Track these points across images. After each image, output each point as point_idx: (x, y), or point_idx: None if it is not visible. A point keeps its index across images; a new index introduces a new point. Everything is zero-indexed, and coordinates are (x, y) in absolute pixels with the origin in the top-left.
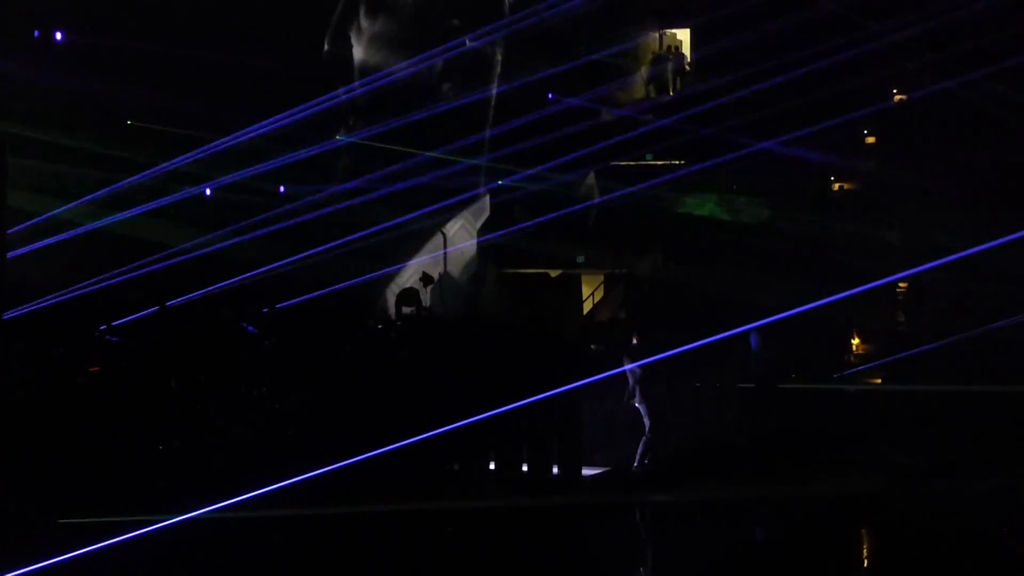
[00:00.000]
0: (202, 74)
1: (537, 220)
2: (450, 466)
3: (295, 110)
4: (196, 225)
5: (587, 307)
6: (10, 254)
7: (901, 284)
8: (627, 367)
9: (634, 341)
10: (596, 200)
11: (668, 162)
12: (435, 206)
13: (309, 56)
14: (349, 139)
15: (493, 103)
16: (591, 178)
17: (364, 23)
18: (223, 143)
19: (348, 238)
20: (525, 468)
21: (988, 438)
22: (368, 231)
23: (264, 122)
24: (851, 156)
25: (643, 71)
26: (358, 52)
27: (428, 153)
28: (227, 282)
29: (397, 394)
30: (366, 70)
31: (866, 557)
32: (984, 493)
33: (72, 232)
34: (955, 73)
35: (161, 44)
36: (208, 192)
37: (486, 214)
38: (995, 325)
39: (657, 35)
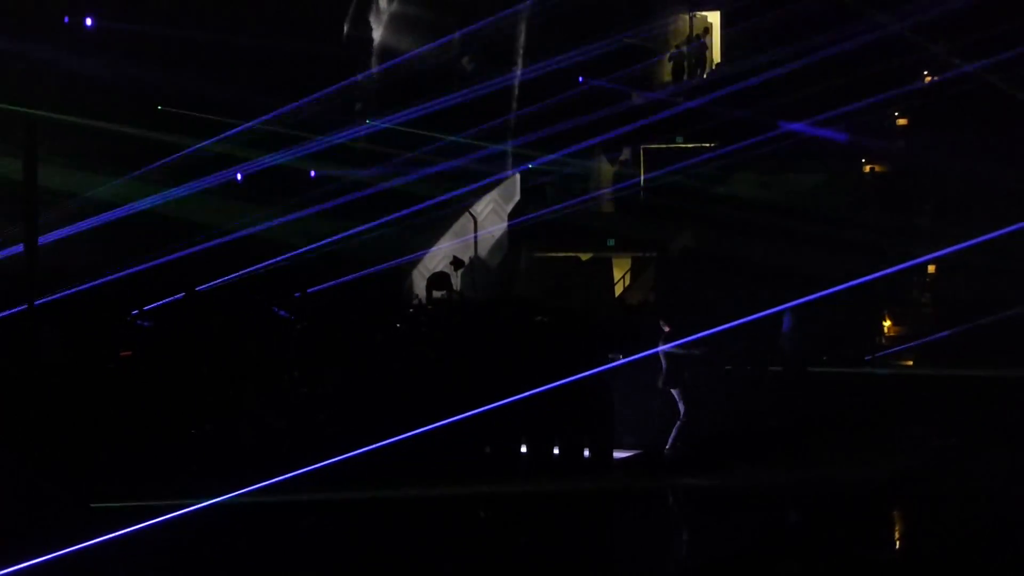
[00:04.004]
0: (230, 58)
1: (568, 203)
2: (482, 449)
3: (322, 93)
4: (228, 210)
5: (618, 290)
6: (41, 240)
7: (931, 266)
8: (660, 348)
9: (666, 329)
10: (625, 183)
11: (699, 144)
12: (465, 189)
13: (334, 39)
14: (379, 123)
15: (518, 86)
16: (624, 156)
17: (386, 4)
18: (250, 126)
19: (376, 222)
20: (556, 451)
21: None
22: (397, 215)
23: (290, 106)
24: (882, 137)
25: (668, 61)
26: (381, 34)
27: (456, 137)
28: (258, 266)
29: (428, 378)
30: (389, 53)
31: (898, 539)
32: (1018, 474)
33: (103, 216)
34: (987, 54)
35: (188, 28)
36: (239, 176)
37: (517, 197)
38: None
39: (687, 17)
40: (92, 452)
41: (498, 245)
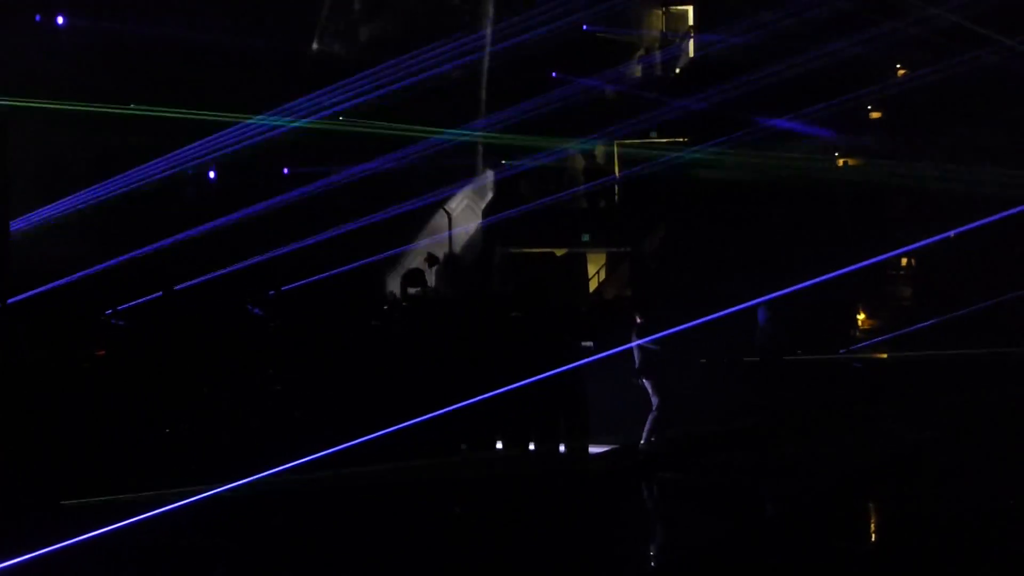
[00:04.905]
0: (201, 58)
1: (542, 199)
2: (457, 445)
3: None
4: (201, 208)
5: (592, 285)
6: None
7: (904, 260)
8: (634, 343)
9: (638, 320)
10: (599, 180)
11: (672, 140)
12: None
13: (302, 33)
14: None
15: (486, 80)
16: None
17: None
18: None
19: (348, 223)
20: (531, 447)
21: (994, 413)
22: (369, 215)
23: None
24: (855, 131)
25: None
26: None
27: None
28: (233, 266)
29: (403, 374)
30: (362, 50)
31: (876, 531)
32: (986, 470)
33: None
34: (958, 48)
35: (160, 27)
36: (212, 175)
37: (490, 193)
38: (1000, 299)
39: (661, 13)
40: (65, 451)
41: (473, 241)
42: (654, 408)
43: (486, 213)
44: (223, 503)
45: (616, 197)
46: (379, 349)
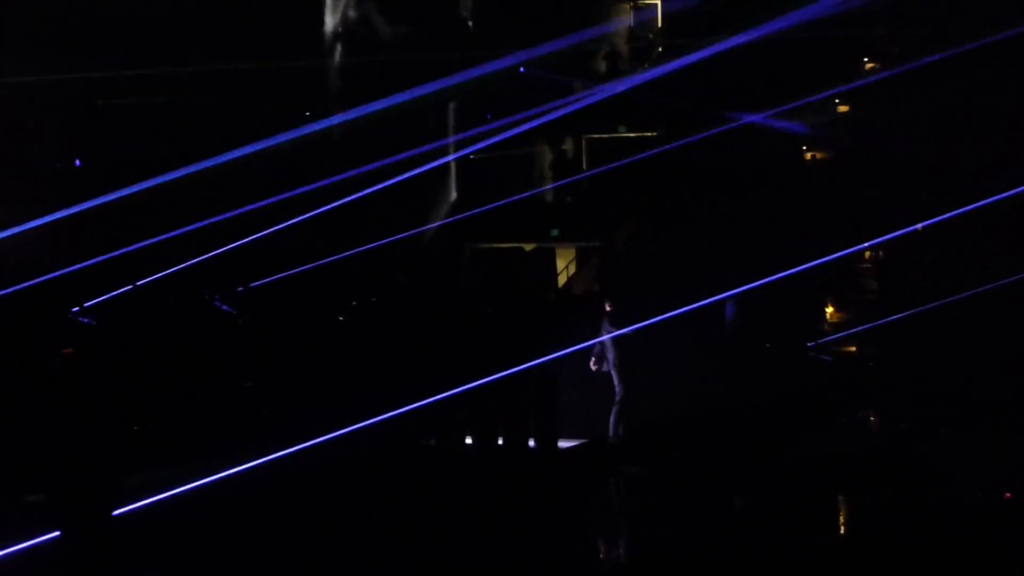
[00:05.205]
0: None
1: (510, 195)
2: (426, 441)
3: None
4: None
5: (561, 280)
6: None
7: (867, 254)
8: (604, 337)
9: (608, 308)
10: (568, 175)
11: (641, 133)
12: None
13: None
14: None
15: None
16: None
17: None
18: None
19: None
20: (500, 442)
21: (960, 404)
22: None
23: None
24: (824, 125)
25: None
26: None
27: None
28: (201, 258)
29: (372, 370)
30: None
31: (845, 523)
32: (959, 462)
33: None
34: (931, 42)
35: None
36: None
37: (457, 189)
38: (968, 293)
39: (629, 6)
40: (30, 448)
41: (441, 236)
42: (617, 397)
43: (454, 208)
44: (188, 504)
45: (585, 191)
46: (349, 345)
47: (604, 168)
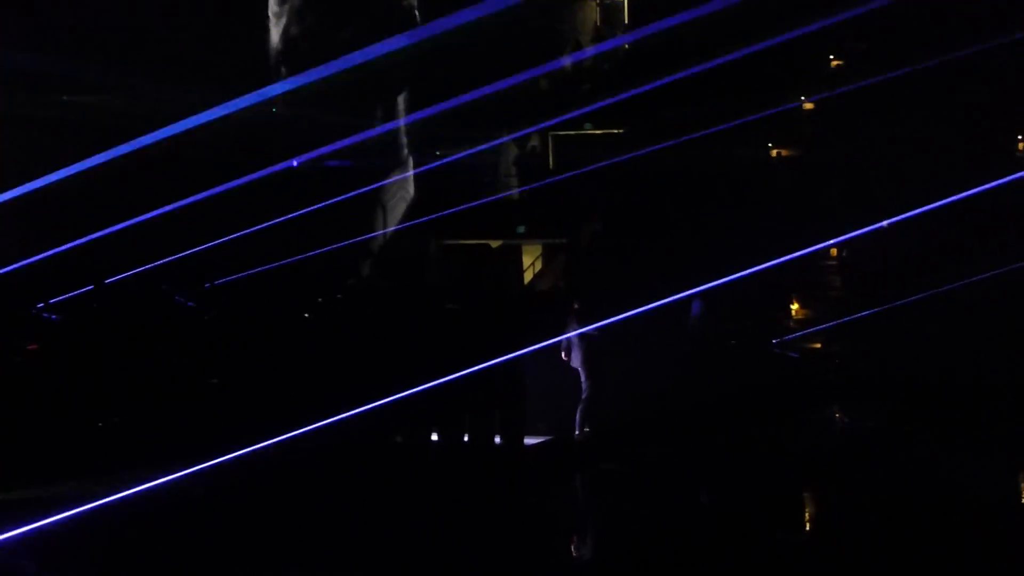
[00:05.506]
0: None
1: (477, 192)
2: (392, 438)
3: None
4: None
5: (527, 277)
6: None
7: (833, 251)
8: (571, 334)
9: (575, 305)
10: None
11: (607, 131)
12: None
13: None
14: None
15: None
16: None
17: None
18: None
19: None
20: (467, 439)
21: (925, 402)
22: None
23: None
24: (788, 122)
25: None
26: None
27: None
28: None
29: (338, 367)
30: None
31: (813, 520)
32: (926, 459)
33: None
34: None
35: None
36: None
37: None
38: (933, 291)
39: (596, 4)
40: None
41: (408, 233)
42: (584, 394)
43: (419, 204)
44: (154, 499)
45: (551, 188)
46: (314, 341)
47: (571, 166)
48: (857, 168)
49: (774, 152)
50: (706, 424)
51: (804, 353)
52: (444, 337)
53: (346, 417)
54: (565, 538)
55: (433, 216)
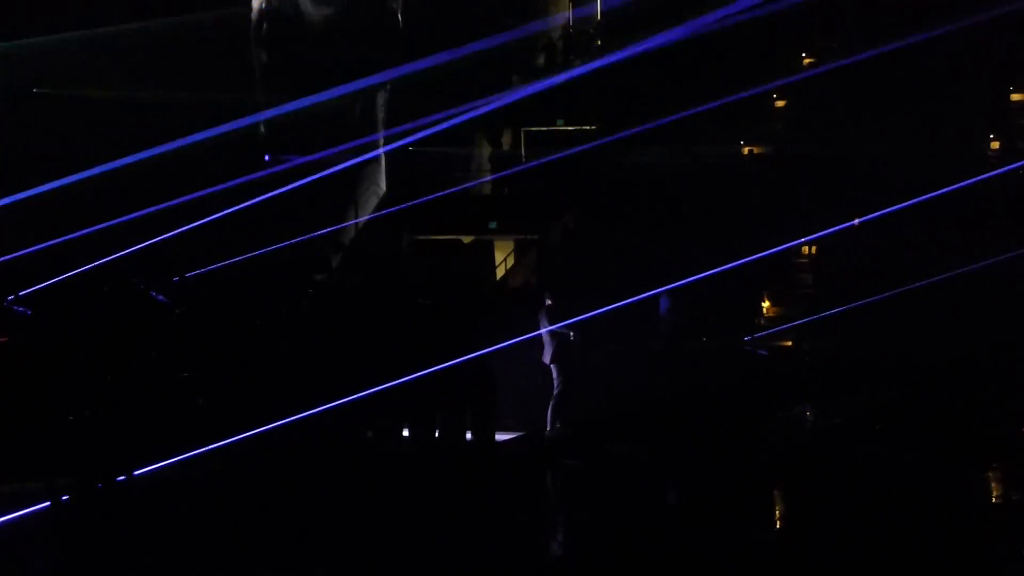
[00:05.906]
0: None
1: (449, 191)
2: (363, 434)
3: None
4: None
5: (499, 273)
6: None
7: (806, 248)
8: (543, 330)
9: (548, 301)
10: (506, 168)
11: (580, 127)
12: None
13: None
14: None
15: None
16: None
17: None
18: None
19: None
20: (437, 434)
21: (896, 401)
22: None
23: None
24: (760, 120)
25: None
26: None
27: None
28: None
29: (309, 362)
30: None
31: (783, 518)
32: (894, 457)
33: None
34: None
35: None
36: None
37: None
38: (903, 288)
39: None
40: None
41: (379, 228)
42: (555, 390)
43: (390, 199)
44: (125, 493)
45: (523, 184)
46: (286, 336)
47: (542, 160)
48: (829, 166)
49: (746, 150)
50: (676, 421)
51: (774, 351)
52: (415, 332)
53: (316, 413)
54: (534, 534)
55: (404, 206)
